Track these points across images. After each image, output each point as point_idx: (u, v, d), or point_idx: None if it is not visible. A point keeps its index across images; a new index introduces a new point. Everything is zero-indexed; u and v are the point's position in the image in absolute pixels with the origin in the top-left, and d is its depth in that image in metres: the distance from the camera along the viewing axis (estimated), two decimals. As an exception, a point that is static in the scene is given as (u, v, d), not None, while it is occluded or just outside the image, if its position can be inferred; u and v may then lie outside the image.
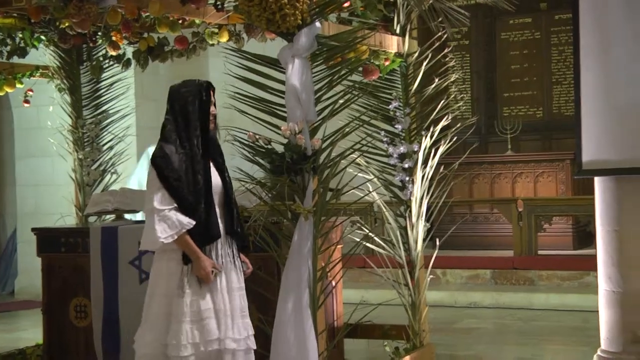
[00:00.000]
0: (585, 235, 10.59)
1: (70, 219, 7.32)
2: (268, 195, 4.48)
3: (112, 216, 6.55)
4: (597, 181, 5.25)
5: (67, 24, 6.02)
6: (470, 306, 9.08)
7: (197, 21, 6.32)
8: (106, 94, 7.22)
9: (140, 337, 4.29)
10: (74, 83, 7.11)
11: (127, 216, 6.66)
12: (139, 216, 7.43)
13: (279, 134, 4.34)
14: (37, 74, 7.28)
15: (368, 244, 5.66)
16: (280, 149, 4.29)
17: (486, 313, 8.73)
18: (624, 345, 5.11)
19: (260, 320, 4.71)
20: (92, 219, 6.83)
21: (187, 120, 4.31)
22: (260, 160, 4.34)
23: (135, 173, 8.58)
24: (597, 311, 5.32)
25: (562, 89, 12.35)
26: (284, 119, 4.37)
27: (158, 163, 4.27)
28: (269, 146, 4.32)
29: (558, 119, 12.25)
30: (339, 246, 5.00)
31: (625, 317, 5.12)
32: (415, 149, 5.78)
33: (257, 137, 4.31)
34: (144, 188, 8.07)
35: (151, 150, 8.58)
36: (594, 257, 5.50)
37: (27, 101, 7.77)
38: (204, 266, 4.19)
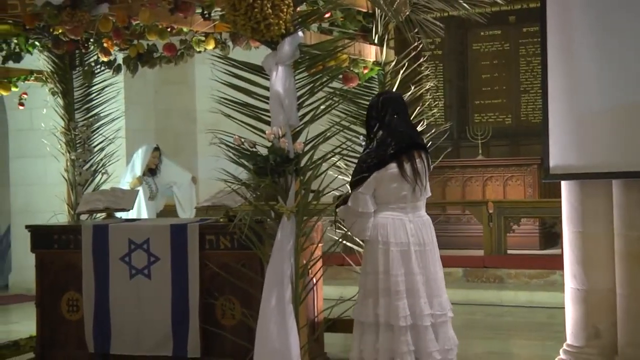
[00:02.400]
0: (551, 236, 10.65)
1: (62, 217, 7.28)
2: (252, 196, 4.48)
3: (103, 214, 6.52)
4: (564, 185, 5.28)
5: (60, 31, 5.99)
6: (443, 302, 9.09)
7: (184, 29, 6.31)
8: (97, 98, 7.19)
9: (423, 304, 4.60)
10: (66, 87, 7.08)
11: (117, 214, 6.64)
12: (131, 214, 7.40)
13: (263, 137, 4.34)
14: (32, 78, 7.22)
15: (347, 243, 5.67)
16: (264, 151, 4.29)
17: (457, 309, 8.66)
18: (587, 339, 5.14)
19: (244, 315, 4.71)
20: (83, 217, 6.79)
21: None
22: (245, 163, 4.34)
23: (125, 173, 8.52)
24: (563, 308, 5.34)
25: (529, 97, 12.42)
26: (268, 123, 4.37)
27: None
28: (254, 149, 4.31)
29: (526, 125, 12.32)
30: (319, 245, 5.00)
31: (588, 313, 5.14)
32: (392, 153, 5.77)
33: (243, 140, 4.30)
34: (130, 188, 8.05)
35: (141, 151, 8.56)
36: (559, 257, 5.51)
37: (21, 104, 7.68)
38: None
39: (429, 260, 4.71)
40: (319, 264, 4.91)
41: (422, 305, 4.57)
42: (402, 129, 4.69)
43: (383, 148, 4.62)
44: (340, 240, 4.83)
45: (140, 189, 8.24)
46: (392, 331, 4.53)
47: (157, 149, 8.64)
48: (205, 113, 9.11)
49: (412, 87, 5.85)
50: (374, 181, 4.60)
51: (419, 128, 5.84)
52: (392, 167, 4.61)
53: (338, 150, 4.60)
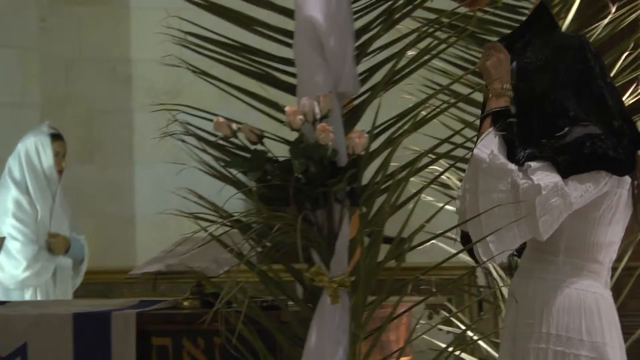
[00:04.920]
0: None
1: None
2: (256, 251, 4.57)
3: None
4: None
5: None
6: None
7: None
8: None
9: None
10: None
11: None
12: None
13: (279, 121, 4.44)
14: None
15: (466, 356, 5.74)
16: (282, 152, 4.41)
17: None
18: None
19: None
20: None
21: None
22: (241, 176, 4.44)
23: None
24: None
25: None
26: (289, 91, 4.48)
27: None
28: (259, 147, 4.42)
29: None
30: (404, 358, 5.09)
31: None
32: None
33: (236, 127, 4.41)
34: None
35: (23, 151, 8.59)
36: None
37: None
38: None
39: None
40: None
41: None
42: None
43: (617, 138, 4.79)
44: (451, 346, 4.89)
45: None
46: None
47: (58, 136, 8.56)
48: (152, 67, 9.24)
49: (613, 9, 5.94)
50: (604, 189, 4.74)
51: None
52: (627, 183, 4.83)
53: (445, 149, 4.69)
